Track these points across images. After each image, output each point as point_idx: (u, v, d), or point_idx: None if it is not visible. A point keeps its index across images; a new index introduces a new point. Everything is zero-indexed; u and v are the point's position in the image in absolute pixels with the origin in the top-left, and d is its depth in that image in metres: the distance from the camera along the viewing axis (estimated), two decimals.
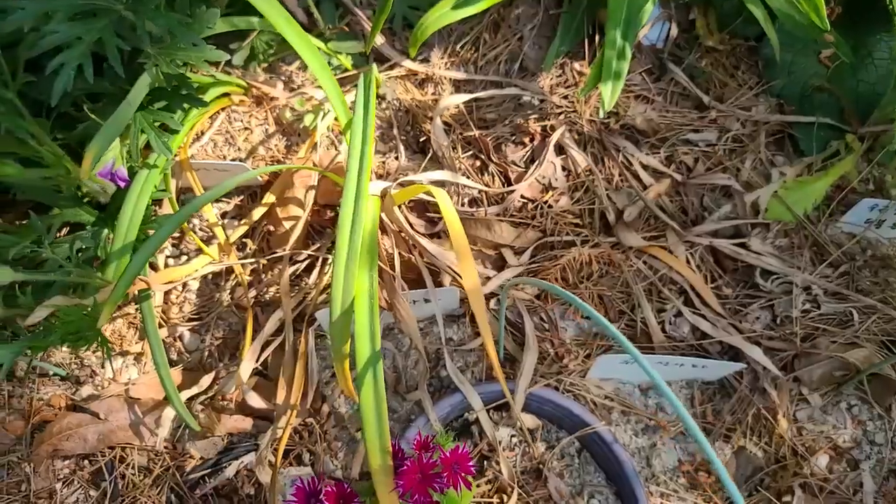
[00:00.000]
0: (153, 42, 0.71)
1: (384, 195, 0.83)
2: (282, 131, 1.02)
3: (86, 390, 0.85)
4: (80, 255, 0.68)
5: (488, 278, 0.87)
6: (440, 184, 0.91)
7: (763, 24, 0.93)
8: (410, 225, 0.88)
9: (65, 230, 0.82)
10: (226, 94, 0.99)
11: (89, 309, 0.63)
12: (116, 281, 0.62)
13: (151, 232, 0.77)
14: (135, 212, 0.75)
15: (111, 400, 0.82)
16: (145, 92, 0.71)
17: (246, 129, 1.01)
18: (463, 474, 0.59)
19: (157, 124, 0.76)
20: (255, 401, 0.80)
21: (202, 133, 1.00)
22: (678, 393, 0.88)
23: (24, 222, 0.84)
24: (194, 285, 0.92)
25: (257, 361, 0.82)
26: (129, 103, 0.66)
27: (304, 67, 1.05)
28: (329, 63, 1.04)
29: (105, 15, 0.60)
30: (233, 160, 0.99)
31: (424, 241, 0.83)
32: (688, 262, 0.91)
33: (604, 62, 0.87)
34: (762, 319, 0.89)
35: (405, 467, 0.58)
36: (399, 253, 0.84)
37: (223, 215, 0.97)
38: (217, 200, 0.96)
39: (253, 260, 0.90)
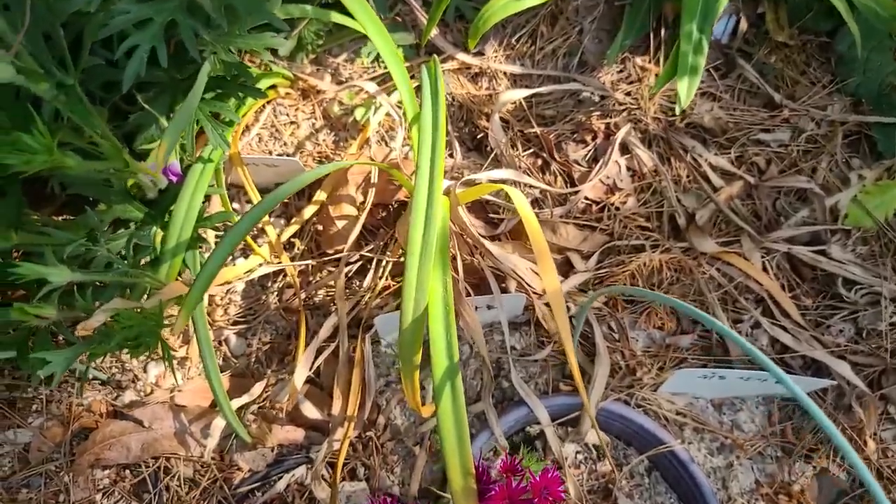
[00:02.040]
0: (210, 28, 0.67)
1: (448, 194, 0.78)
2: (330, 126, 0.97)
3: (128, 396, 0.81)
4: (135, 254, 0.63)
5: None
6: (502, 183, 0.86)
7: (845, 17, 0.87)
8: (473, 226, 0.83)
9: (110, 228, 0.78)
10: (272, 87, 0.94)
11: (146, 312, 0.58)
12: (193, 283, 0.57)
13: (206, 231, 0.72)
14: (189, 208, 0.71)
15: (156, 407, 0.77)
16: (205, 81, 0.66)
17: (292, 123, 0.97)
18: (553, 500, 0.54)
19: (212, 115, 0.71)
20: (310, 411, 0.76)
21: (248, 127, 0.95)
22: (755, 410, 0.82)
23: (63, 218, 0.80)
24: (240, 286, 0.88)
25: (311, 369, 0.77)
26: (194, 94, 0.62)
27: (351, 60, 1.01)
28: (379, 55, 0.99)
29: None
30: (279, 155, 0.94)
31: (489, 244, 0.78)
32: (764, 269, 0.86)
33: (679, 57, 0.82)
34: (846, 332, 0.83)
35: (492, 492, 0.53)
36: (461, 256, 0.79)
37: (269, 213, 0.92)
38: None
39: (307, 262, 0.86)
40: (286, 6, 0.84)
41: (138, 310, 0.58)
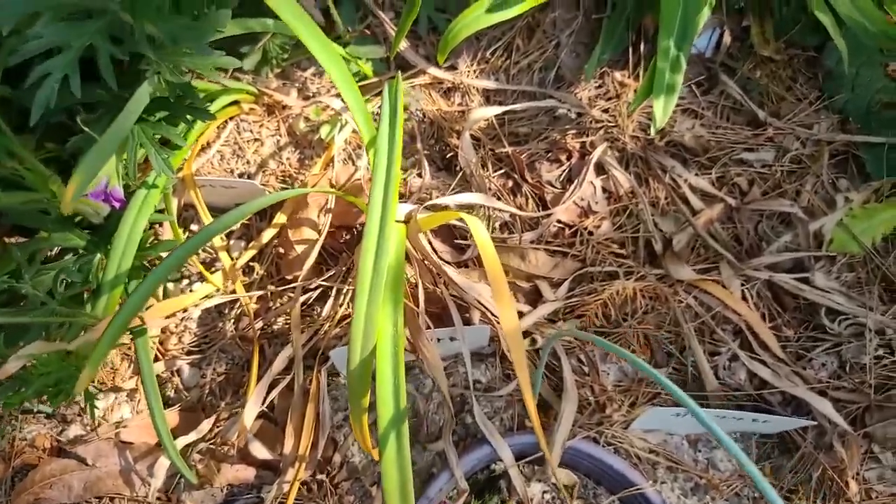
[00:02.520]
0: (155, 47, 0.63)
1: (409, 220, 0.74)
2: (295, 143, 0.93)
3: (73, 430, 0.77)
4: (66, 289, 0.59)
5: (521, 313, 0.78)
6: (470, 207, 0.82)
7: (831, 33, 0.83)
8: (436, 252, 0.80)
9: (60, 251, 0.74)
10: (235, 103, 0.90)
11: (78, 353, 0.55)
12: (103, 331, 0.53)
13: (150, 260, 0.68)
14: (130, 237, 0.67)
15: (101, 443, 0.74)
16: (145, 103, 0.62)
17: (256, 140, 0.93)
18: None
19: (157, 138, 0.67)
20: (260, 451, 0.72)
21: (209, 144, 0.91)
22: None
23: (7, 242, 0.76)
24: (196, 313, 0.84)
25: (263, 403, 0.73)
26: (126, 116, 0.58)
27: (320, 73, 0.97)
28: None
29: (99, 17, 0.51)
30: (241, 175, 0.90)
31: (452, 272, 0.74)
32: (744, 298, 0.82)
33: (655, 74, 0.78)
34: (828, 366, 0.79)
35: None
36: (423, 284, 0.75)
37: (228, 235, 0.88)
38: None
39: (260, 291, 0.82)
40: (244, 20, 0.80)
41: (65, 351, 0.54)
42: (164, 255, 0.71)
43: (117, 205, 0.69)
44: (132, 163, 0.66)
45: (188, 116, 0.70)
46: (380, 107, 0.86)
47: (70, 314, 0.59)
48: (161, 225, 0.81)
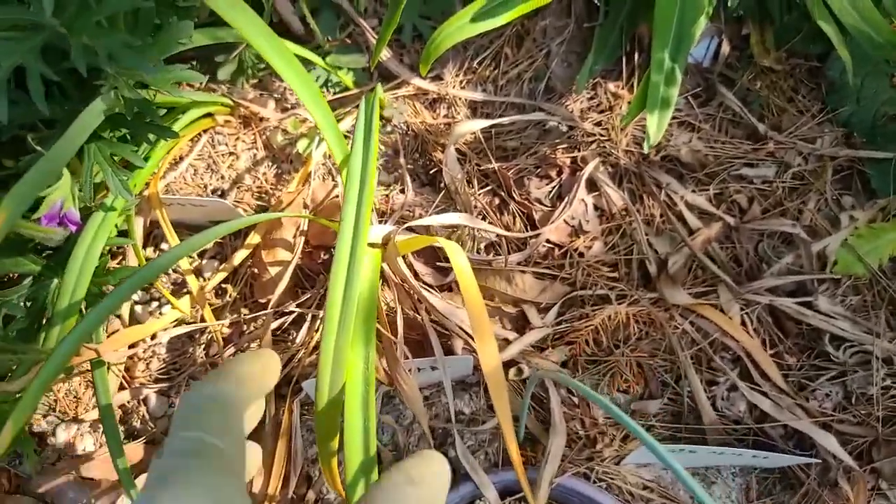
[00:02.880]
0: (110, 60, 0.59)
1: (387, 242, 0.69)
2: (272, 157, 0.89)
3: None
4: (9, 324, 0.55)
5: (507, 341, 0.74)
6: (454, 228, 0.78)
7: (835, 43, 0.79)
8: (416, 275, 0.75)
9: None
10: (209, 115, 0.86)
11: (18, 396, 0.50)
12: (37, 373, 0.49)
13: (108, 287, 0.64)
14: (85, 262, 0.63)
15: (61, 480, 0.69)
16: (98, 120, 0.58)
17: (231, 154, 0.89)
18: None
19: (115, 158, 0.63)
20: None
21: (181, 158, 0.87)
22: (731, 483, 0.74)
23: None
24: (165, 337, 0.79)
25: None
26: (72, 135, 0.53)
27: None
28: (328, 80, 0.91)
29: (34, 33, 0.47)
30: (214, 190, 0.86)
31: (433, 298, 0.70)
32: (743, 323, 0.77)
33: (649, 88, 0.73)
34: (833, 397, 0.75)
35: None
36: (402, 310, 0.71)
37: (201, 254, 0.84)
38: None
39: (232, 316, 0.78)
40: (214, 30, 0.76)
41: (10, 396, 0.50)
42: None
43: (73, 228, 0.64)
44: (88, 184, 0.62)
45: (150, 135, 0.65)
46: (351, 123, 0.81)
47: (19, 349, 0.55)
48: (123, 252, 0.76)
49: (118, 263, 0.77)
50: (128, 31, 0.54)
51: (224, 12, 0.57)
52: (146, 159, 0.73)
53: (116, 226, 0.70)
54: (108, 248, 0.65)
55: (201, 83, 0.83)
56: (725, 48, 0.91)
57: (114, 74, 0.60)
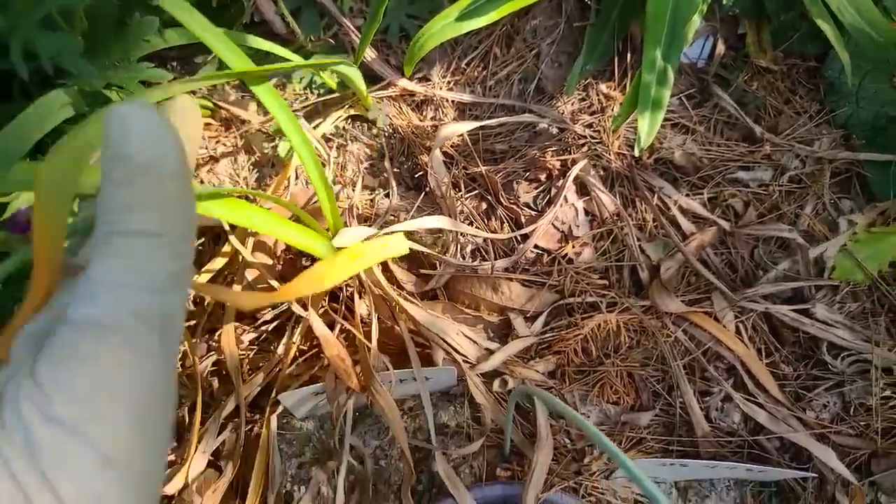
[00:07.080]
0: (51, 62, 0.56)
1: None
2: (253, 162, 0.86)
3: None
4: None
5: (490, 351, 0.71)
6: (437, 231, 0.75)
7: (833, 43, 0.77)
8: (397, 283, 0.73)
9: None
10: None
11: None
12: None
13: None
14: None
15: None
16: (54, 122, 0.56)
17: (211, 157, 0.86)
18: None
19: None
20: None
21: None
22: (725, 496, 0.71)
23: None
24: None
25: (211, 454, 0.66)
26: (4, 135, 0.51)
27: (282, 85, 0.90)
28: (311, 82, 0.89)
29: None
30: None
31: (412, 308, 0.67)
32: (738, 332, 0.75)
33: (640, 88, 0.71)
34: (830, 408, 0.72)
35: None
36: (378, 318, 0.68)
37: None
38: None
39: (210, 326, 0.75)
40: (187, 30, 0.73)
41: None
42: None
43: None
44: None
45: None
46: (335, 125, 0.79)
47: None
48: None
49: None
50: (89, 29, 0.51)
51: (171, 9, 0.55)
52: None
53: None
54: None
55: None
56: (720, 47, 0.89)
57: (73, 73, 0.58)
